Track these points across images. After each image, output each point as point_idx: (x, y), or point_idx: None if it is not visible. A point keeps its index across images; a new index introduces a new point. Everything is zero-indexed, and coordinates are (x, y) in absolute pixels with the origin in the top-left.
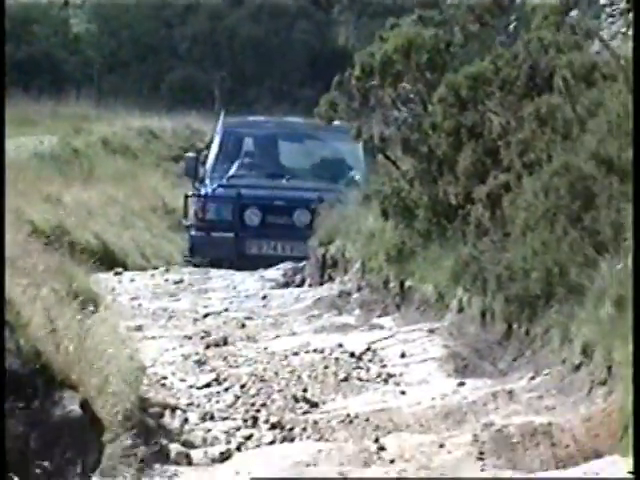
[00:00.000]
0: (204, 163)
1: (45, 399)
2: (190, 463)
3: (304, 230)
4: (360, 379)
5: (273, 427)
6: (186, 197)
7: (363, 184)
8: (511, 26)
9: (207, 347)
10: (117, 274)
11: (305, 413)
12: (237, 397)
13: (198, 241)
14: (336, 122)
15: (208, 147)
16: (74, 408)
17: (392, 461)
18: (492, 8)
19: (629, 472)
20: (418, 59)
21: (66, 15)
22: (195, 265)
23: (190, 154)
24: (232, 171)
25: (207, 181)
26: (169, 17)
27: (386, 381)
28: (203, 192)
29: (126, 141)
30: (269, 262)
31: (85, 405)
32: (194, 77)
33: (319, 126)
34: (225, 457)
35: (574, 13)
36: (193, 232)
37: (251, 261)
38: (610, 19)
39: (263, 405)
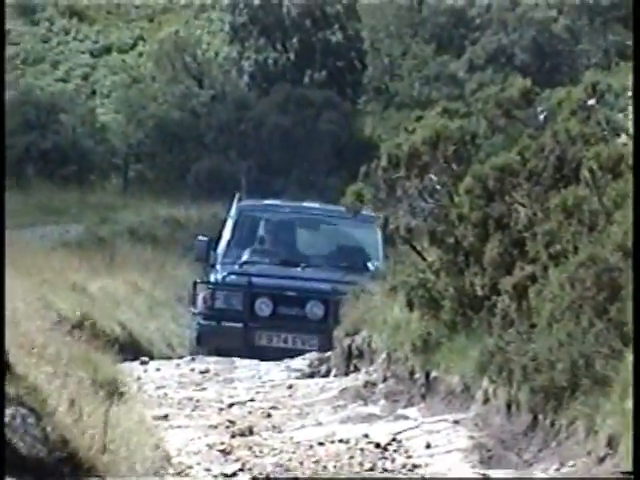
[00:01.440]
0: (216, 248)
1: None
2: None
3: (317, 323)
4: (385, 469)
5: None
6: (195, 284)
7: (382, 273)
8: (541, 117)
9: (232, 436)
10: (143, 363)
11: None
12: None
13: (206, 330)
14: None
15: (221, 231)
16: None
17: None
18: (520, 102)
19: (628, 472)
20: (444, 150)
21: (93, 104)
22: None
23: (201, 237)
24: (244, 257)
25: (218, 267)
26: (195, 107)
27: (411, 472)
28: (213, 279)
29: (152, 230)
30: (279, 355)
31: None
32: (220, 167)
33: (337, 212)
34: None
35: (592, 101)
36: (201, 321)
37: (260, 353)
38: None
39: None
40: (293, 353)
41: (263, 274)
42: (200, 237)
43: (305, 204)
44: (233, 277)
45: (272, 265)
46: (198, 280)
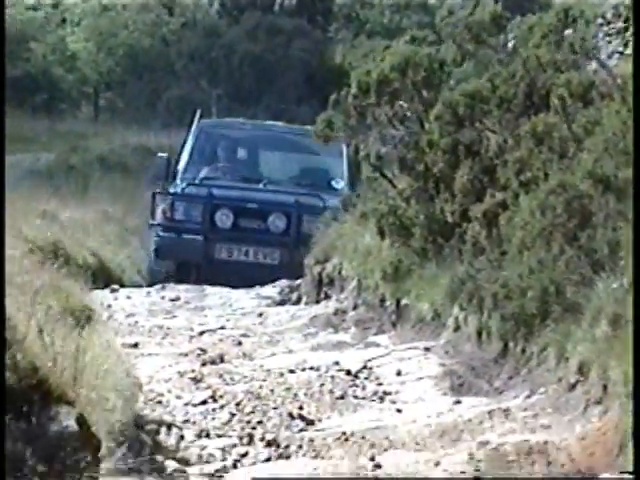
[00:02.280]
0: (176, 166)
1: (41, 414)
2: None
3: (279, 236)
4: (356, 397)
5: (269, 445)
6: (154, 195)
7: (346, 192)
8: (509, 43)
9: (203, 364)
10: (113, 291)
11: (301, 431)
12: (233, 415)
13: (165, 243)
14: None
15: (181, 150)
16: (70, 423)
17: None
18: (490, 26)
19: (629, 472)
20: (414, 77)
21: (63, 33)
22: (157, 274)
23: (161, 154)
24: (204, 173)
25: (178, 181)
26: (166, 34)
27: (382, 399)
28: (172, 190)
29: (123, 158)
30: (240, 269)
31: (81, 420)
32: (191, 94)
33: (301, 131)
34: (221, 474)
35: (570, 32)
36: (160, 233)
37: (220, 267)
38: (607, 38)
39: (259, 423)
40: (254, 267)
41: (224, 186)
42: (159, 154)
43: (268, 122)
44: (193, 188)
45: (233, 182)
46: (157, 191)
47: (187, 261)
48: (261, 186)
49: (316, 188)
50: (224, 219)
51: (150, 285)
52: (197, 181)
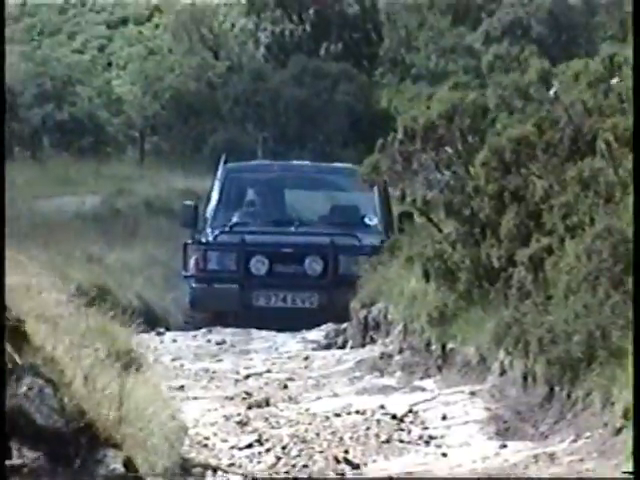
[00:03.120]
0: (205, 212)
1: (88, 457)
2: None
3: (316, 279)
4: (402, 441)
5: None
6: (185, 245)
7: (379, 229)
8: (551, 92)
9: (249, 408)
10: (159, 334)
11: (343, 475)
12: (279, 458)
13: (199, 294)
14: (347, 165)
15: (209, 195)
16: (117, 467)
17: None
18: (537, 83)
19: (629, 472)
20: (460, 123)
21: (109, 76)
22: (195, 324)
23: (188, 202)
24: (234, 219)
25: (208, 230)
26: (212, 78)
27: (427, 443)
28: (204, 239)
29: (168, 202)
30: (278, 315)
31: (128, 464)
32: (237, 138)
33: (329, 169)
34: None
35: (616, 80)
36: (193, 284)
37: (258, 314)
38: None
39: (304, 466)
40: (292, 312)
41: (256, 232)
42: (186, 202)
43: (295, 162)
44: (225, 236)
45: (265, 226)
46: (189, 241)
47: (224, 311)
48: (293, 229)
49: (349, 226)
50: (259, 266)
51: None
52: (227, 228)
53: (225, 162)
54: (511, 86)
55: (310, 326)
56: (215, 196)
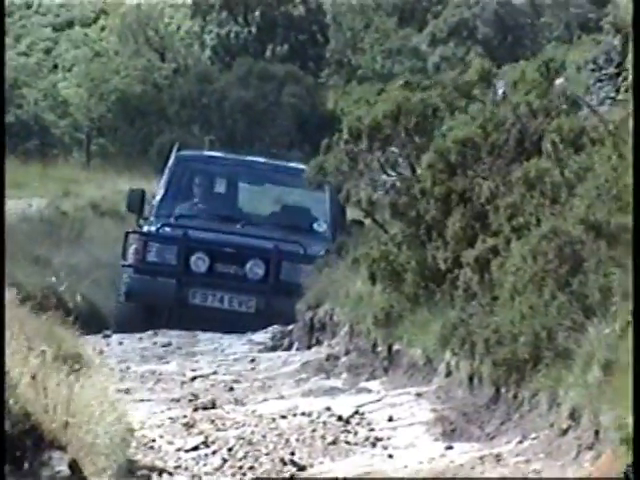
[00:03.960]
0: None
1: (34, 460)
2: None
3: (256, 284)
4: (348, 442)
5: None
6: (127, 234)
7: (327, 236)
8: (499, 92)
9: (195, 410)
10: (105, 337)
11: (292, 476)
12: (225, 460)
13: (136, 285)
14: (301, 165)
15: (159, 183)
16: (63, 469)
17: None
18: (478, 82)
19: (629, 465)
20: (406, 123)
21: (55, 78)
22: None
23: (134, 187)
24: (180, 211)
25: (152, 219)
26: (158, 80)
27: (374, 445)
28: (146, 230)
29: (115, 204)
30: (213, 316)
31: (74, 466)
32: (183, 140)
33: (283, 167)
34: None
35: (560, 80)
36: (131, 274)
37: (193, 313)
38: (599, 84)
39: (251, 468)
40: (228, 314)
41: (201, 227)
42: (132, 187)
43: (249, 158)
44: (168, 229)
45: (211, 220)
46: (130, 230)
47: (158, 305)
48: (239, 226)
49: (297, 230)
50: (199, 263)
51: (118, 331)
52: (172, 219)
53: (178, 150)
54: (452, 84)
55: (244, 330)
56: (163, 184)
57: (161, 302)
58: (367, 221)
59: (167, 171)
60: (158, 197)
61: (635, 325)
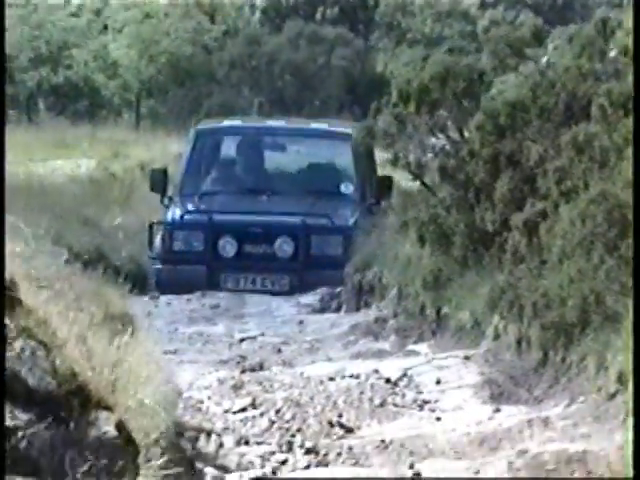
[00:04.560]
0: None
1: (81, 420)
2: None
3: (287, 262)
4: (395, 405)
5: (308, 452)
6: (151, 225)
7: (355, 199)
8: (544, 58)
9: (243, 372)
10: (153, 298)
11: (340, 438)
12: (272, 422)
13: (165, 276)
14: (323, 125)
15: (179, 159)
16: (109, 429)
17: None
18: (530, 41)
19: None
20: (454, 87)
21: (105, 40)
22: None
23: (156, 167)
24: (204, 187)
25: (176, 200)
26: (207, 42)
27: (421, 407)
28: (170, 218)
29: (164, 166)
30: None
31: (120, 426)
32: (232, 102)
33: (306, 129)
34: None
35: (611, 46)
36: (159, 265)
37: None
38: None
39: (298, 430)
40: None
41: (225, 210)
42: (154, 167)
43: (270, 123)
44: (192, 216)
45: (235, 194)
46: (154, 221)
47: (190, 293)
48: (265, 199)
49: (324, 194)
50: (227, 247)
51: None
52: (196, 198)
53: (196, 123)
54: (504, 40)
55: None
56: (184, 161)
57: (193, 290)
58: (413, 183)
59: (187, 146)
60: (179, 175)
61: (635, 325)
